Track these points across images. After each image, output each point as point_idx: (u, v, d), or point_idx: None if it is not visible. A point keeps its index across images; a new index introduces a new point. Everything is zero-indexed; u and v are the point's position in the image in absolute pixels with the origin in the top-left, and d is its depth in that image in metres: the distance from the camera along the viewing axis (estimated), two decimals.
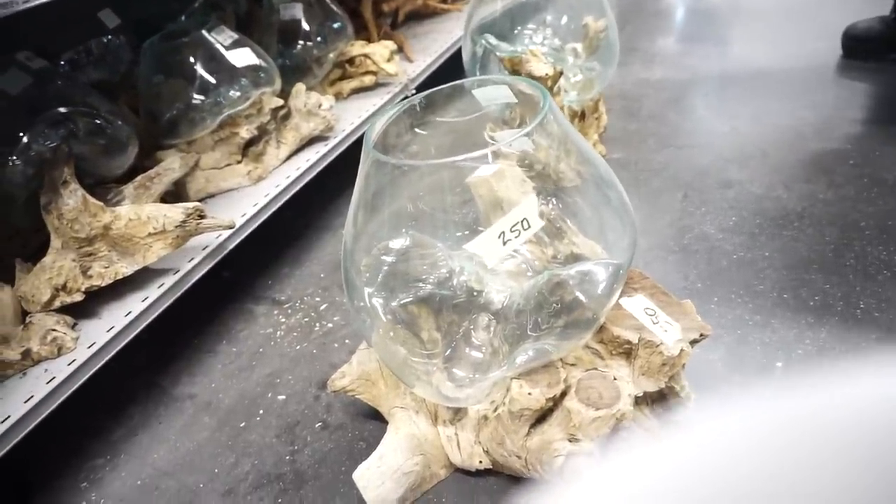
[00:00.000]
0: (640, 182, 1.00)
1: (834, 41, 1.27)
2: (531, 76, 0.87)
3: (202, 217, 0.71)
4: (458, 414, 0.58)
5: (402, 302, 0.58)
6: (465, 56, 1.05)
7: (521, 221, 0.45)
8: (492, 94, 0.58)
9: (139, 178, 0.77)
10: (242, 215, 0.84)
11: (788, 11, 1.56)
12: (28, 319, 0.68)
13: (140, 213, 0.68)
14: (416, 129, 0.68)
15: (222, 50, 0.87)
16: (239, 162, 0.92)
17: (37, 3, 0.60)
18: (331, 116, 0.98)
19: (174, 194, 0.90)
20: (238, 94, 0.88)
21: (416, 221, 0.63)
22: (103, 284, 0.68)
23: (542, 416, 0.51)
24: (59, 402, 0.63)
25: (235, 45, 0.89)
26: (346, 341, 0.81)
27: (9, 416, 0.60)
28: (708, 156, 1.03)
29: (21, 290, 0.69)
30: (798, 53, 1.31)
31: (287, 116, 0.97)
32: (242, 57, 0.88)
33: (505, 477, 0.59)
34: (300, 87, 0.96)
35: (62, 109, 0.70)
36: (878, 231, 0.79)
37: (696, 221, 0.88)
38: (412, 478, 0.57)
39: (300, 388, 0.76)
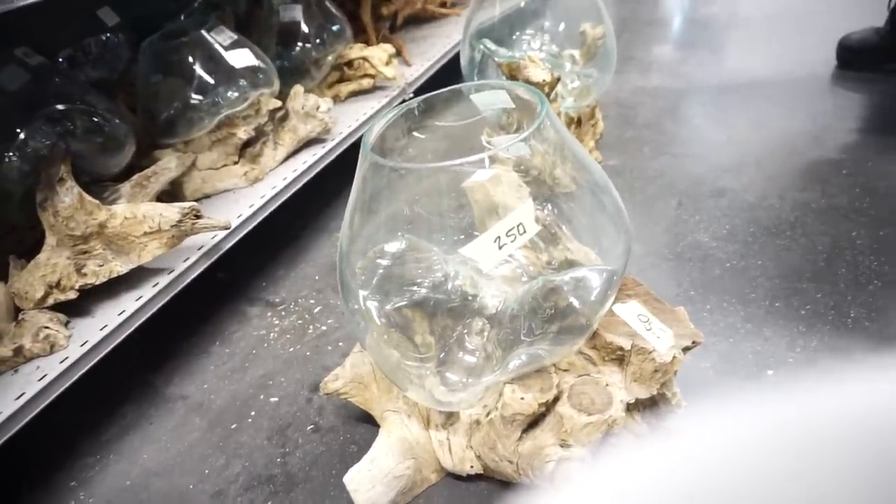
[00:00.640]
0: (636, 189, 1.00)
1: (829, 51, 1.28)
2: (529, 82, 0.87)
3: (198, 217, 0.71)
4: (450, 418, 0.58)
5: (396, 305, 0.58)
6: (464, 61, 1.05)
7: (518, 226, 0.45)
8: (490, 99, 0.58)
9: (136, 176, 0.77)
10: (238, 216, 0.84)
11: (784, 21, 1.57)
12: (21, 316, 0.68)
13: (136, 211, 0.68)
14: (414, 133, 0.68)
15: (221, 50, 0.87)
16: (236, 163, 0.92)
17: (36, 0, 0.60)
18: (328, 119, 0.98)
19: (170, 194, 0.90)
20: (236, 94, 0.88)
21: (411, 225, 0.63)
22: (97, 283, 0.68)
23: (534, 422, 0.52)
24: (51, 399, 0.63)
25: (234, 45, 0.89)
26: (340, 344, 0.81)
27: (0, 413, 0.59)
28: (703, 164, 1.04)
29: (14, 287, 0.69)
30: (794, 63, 1.32)
31: (285, 118, 0.97)
32: (241, 58, 0.88)
33: (496, 482, 0.59)
34: (298, 88, 0.96)
35: (60, 107, 0.70)
36: (870, 241, 0.79)
37: (690, 229, 0.88)
38: (403, 482, 0.57)
39: (292, 390, 0.76)
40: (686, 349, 0.55)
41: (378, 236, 0.59)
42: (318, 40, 1.11)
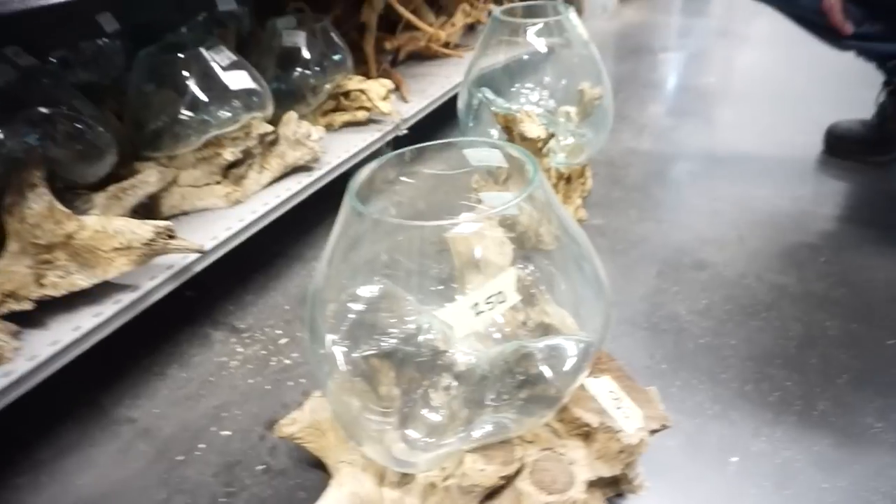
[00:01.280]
0: (617, 252, 1.00)
1: (817, 136, 1.31)
2: (523, 136, 0.87)
3: (171, 237, 0.69)
4: (405, 478, 0.56)
5: (364, 353, 0.56)
6: (461, 104, 1.06)
7: (497, 294, 0.44)
8: (483, 155, 0.58)
9: (112, 187, 0.75)
10: (213, 238, 0.82)
11: (777, 101, 1.61)
12: None
13: (107, 225, 0.66)
14: (403, 178, 0.67)
15: (218, 70, 0.86)
16: (218, 182, 0.90)
17: (36, 4, 0.59)
18: (318, 148, 0.97)
19: (146, 207, 0.88)
20: (228, 115, 0.87)
21: (389, 270, 0.62)
22: (57, 295, 0.65)
23: (492, 493, 0.50)
24: None
25: (233, 66, 0.88)
26: (302, 380, 0.79)
27: None
28: (686, 234, 1.04)
29: None
30: (783, 143, 1.35)
31: (274, 142, 0.96)
32: (238, 80, 0.87)
33: None
34: (292, 115, 0.95)
35: (43, 110, 0.68)
36: (842, 333, 0.79)
37: (668, 300, 0.88)
38: None
39: (247, 425, 0.73)
40: (654, 431, 0.54)
41: (353, 280, 0.57)
42: (317, 67, 1.10)
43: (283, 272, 1.02)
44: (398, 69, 1.46)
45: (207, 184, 0.89)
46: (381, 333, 0.58)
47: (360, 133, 1.14)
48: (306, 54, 1.09)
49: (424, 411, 0.56)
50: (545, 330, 0.61)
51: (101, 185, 0.77)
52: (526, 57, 1.07)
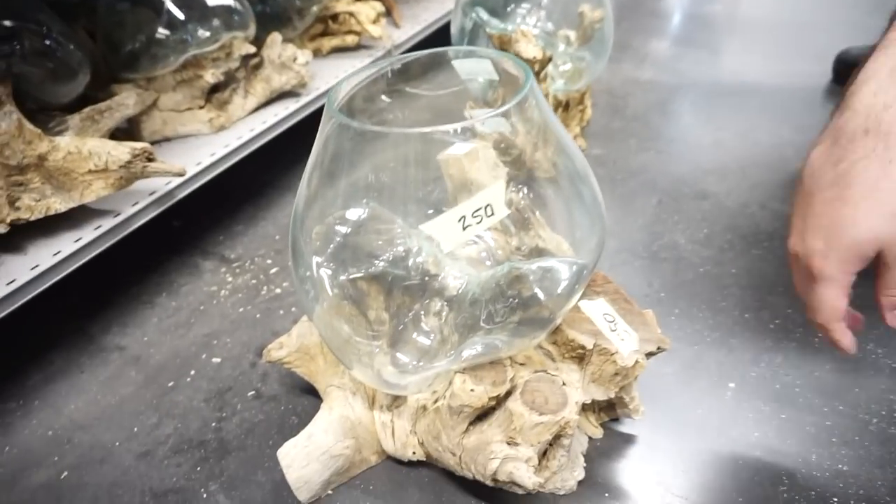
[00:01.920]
0: (617, 182, 0.97)
1: (826, 64, 1.26)
2: (518, 57, 0.83)
3: (150, 160, 0.66)
4: (396, 401, 0.55)
5: (351, 276, 0.54)
6: (454, 28, 1.01)
7: (485, 207, 0.41)
8: (473, 67, 0.54)
9: (87, 109, 0.71)
10: (197, 164, 0.79)
11: (785, 29, 1.55)
12: None
13: (81, 146, 0.63)
14: (388, 98, 0.64)
15: None
16: (201, 107, 0.86)
17: None
18: (305, 72, 0.92)
19: (127, 132, 0.84)
20: (207, 34, 0.82)
21: (377, 194, 0.59)
22: (32, 218, 0.62)
23: (482, 415, 0.49)
24: None
25: None
26: (293, 309, 0.77)
27: None
28: (687, 164, 1.01)
29: None
30: (789, 72, 1.30)
31: (258, 66, 0.91)
32: None
33: (438, 470, 0.56)
34: (276, 36, 0.90)
35: (7, 23, 0.63)
36: None
37: (668, 229, 0.86)
38: (340, 461, 0.54)
39: (237, 352, 0.72)
40: (650, 354, 0.53)
41: (338, 202, 0.55)
42: None
43: (274, 202, 0.99)
44: None
45: (189, 108, 0.85)
46: (370, 256, 0.56)
47: (349, 59, 1.09)
48: None
49: (415, 335, 0.54)
50: (539, 254, 0.59)
51: (76, 108, 0.73)
52: None
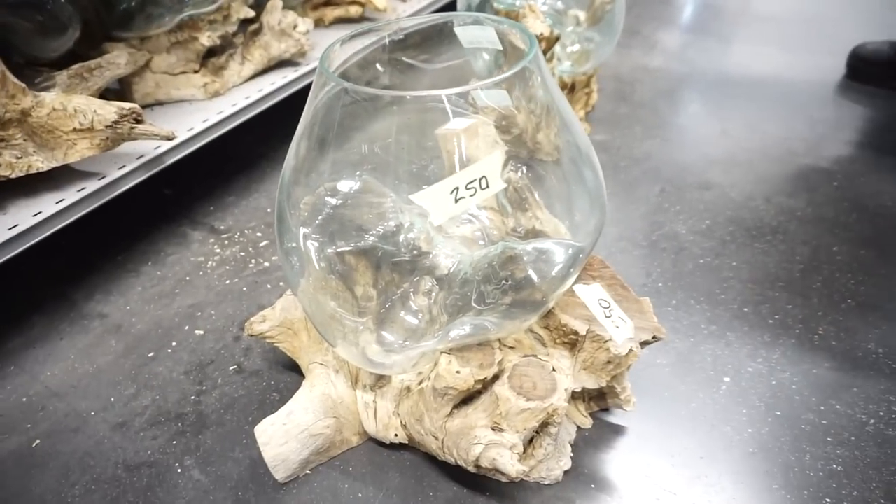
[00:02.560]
0: (620, 168, 0.95)
1: (840, 58, 1.23)
2: None
3: (138, 121, 0.63)
4: (379, 381, 0.53)
5: (339, 250, 0.52)
6: (461, 2, 0.98)
7: (480, 179, 0.39)
8: (476, 35, 0.52)
9: (77, 66, 0.68)
10: (189, 129, 0.77)
11: (799, 20, 1.51)
12: None
13: (66, 103, 0.60)
14: (384, 68, 0.61)
15: None
16: (196, 72, 0.84)
17: None
18: (305, 41, 0.90)
19: (118, 94, 0.82)
20: None
21: (370, 167, 0.57)
22: (13, 176, 0.60)
23: (468, 398, 0.47)
24: None
25: None
26: (281, 284, 0.75)
27: None
28: (693, 154, 0.99)
29: None
30: (801, 66, 1.27)
31: (257, 32, 0.88)
32: None
33: (421, 454, 0.54)
34: (276, 2, 0.87)
35: None
36: (850, 258, 0.76)
37: (669, 219, 0.84)
38: (320, 441, 0.52)
39: (221, 325, 0.70)
40: (645, 343, 0.51)
41: (329, 170, 0.53)
42: None
43: (267, 174, 0.97)
44: None
45: (184, 72, 0.83)
46: (359, 229, 0.54)
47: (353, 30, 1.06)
48: None
49: (402, 314, 0.52)
50: (536, 237, 0.57)
51: (65, 65, 0.70)
52: None
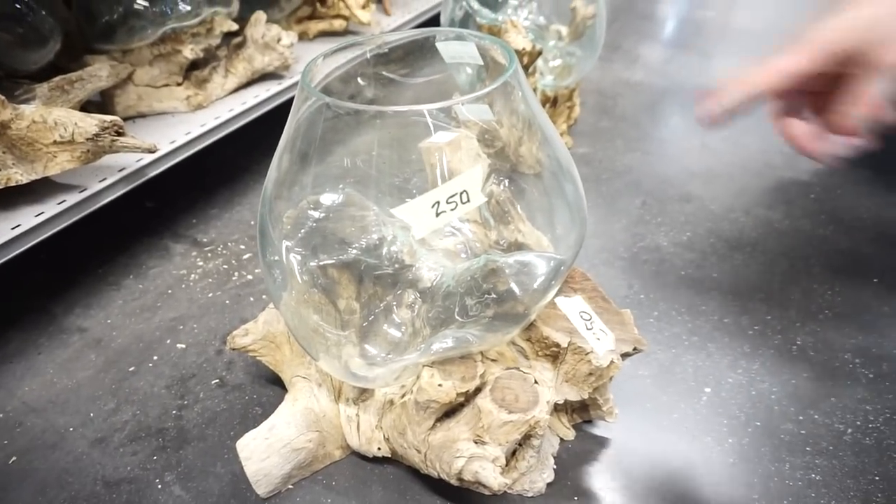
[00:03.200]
0: (602, 181, 0.96)
1: None
2: None
3: (120, 134, 0.63)
4: (362, 394, 0.53)
5: (322, 263, 0.52)
6: (444, 18, 0.99)
7: (461, 193, 0.39)
8: (457, 50, 0.52)
9: (57, 78, 0.68)
10: (171, 142, 0.76)
11: (777, 37, 1.54)
12: None
13: (47, 115, 0.60)
14: (367, 82, 0.62)
15: None
16: (179, 84, 0.84)
17: None
18: (289, 54, 0.90)
19: (100, 106, 0.81)
20: (188, 8, 0.79)
21: (353, 180, 0.57)
22: None
23: (451, 411, 0.47)
24: None
25: None
26: (263, 297, 0.75)
27: None
28: (674, 167, 1.00)
29: None
30: None
31: (241, 45, 0.88)
32: None
33: (404, 468, 0.54)
34: (260, 15, 0.87)
35: None
36: (827, 270, 0.77)
37: (651, 231, 0.85)
38: (302, 455, 0.52)
39: (203, 338, 0.70)
40: (626, 355, 0.51)
41: (312, 183, 0.53)
42: None
43: (251, 187, 0.97)
44: None
45: (167, 85, 0.82)
46: (342, 243, 0.54)
47: (335, 44, 1.06)
48: None
49: (385, 327, 0.52)
50: (519, 249, 0.57)
51: (46, 77, 0.70)
52: None
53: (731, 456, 0.55)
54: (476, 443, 0.44)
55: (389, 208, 0.55)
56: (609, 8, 1.70)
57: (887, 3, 0.48)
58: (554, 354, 0.49)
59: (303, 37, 1.07)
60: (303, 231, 0.53)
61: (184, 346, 0.69)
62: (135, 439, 0.59)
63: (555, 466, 0.53)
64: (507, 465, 0.48)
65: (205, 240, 0.86)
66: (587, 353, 0.48)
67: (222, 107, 0.86)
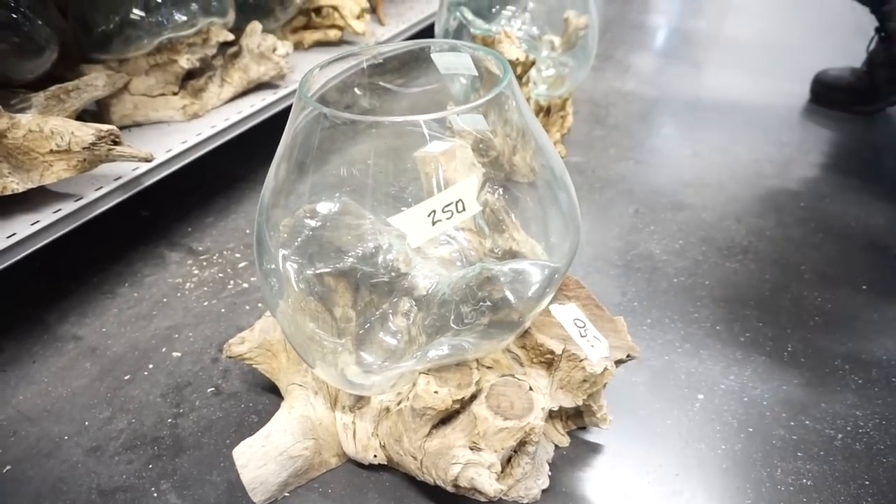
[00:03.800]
0: (595, 190, 0.97)
1: (805, 85, 1.28)
2: None
3: (116, 143, 0.63)
4: (359, 402, 0.53)
5: (318, 271, 0.53)
6: (438, 28, 1.00)
7: (456, 203, 0.40)
8: (452, 61, 0.53)
9: (54, 87, 0.68)
10: (167, 151, 0.77)
11: (767, 47, 1.57)
12: None
13: (43, 125, 0.60)
14: (364, 92, 0.63)
15: None
16: (175, 94, 0.84)
17: None
18: (284, 63, 0.90)
19: (96, 115, 0.82)
20: (184, 18, 0.80)
21: (350, 189, 0.58)
22: None
23: (446, 418, 0.47)
24: None
25: None
26: (259, 305, 0.75)
27: None
28: (666, 175, 1.01)
29: None
30: (769, 90, 1.31)
31: (237, 55, 0.89)
32: None
33: (400, 475, 0.55)
34: (255, 25, 0.88)
35: None
36: (817, 276, 0.78)
37: (644, 239, 0.86)
38: (299, 462, 0.52)
39: (199, 347, 0.70)
40: (619, 362, 0.52)
41: (308, 194, 0.53)
42: None
43: (246, 196, 0.97)
44: None
45: (163, 94, 0.83)
46: (338, 251, 0.54)
47: (331, 53, 1.07)
48: None
49: (381, 335, 0.53)
50: (513, 257, 0.58)
51: (42, 86, 0.70)
52: None
53: (724, 462, 0.55)
54: (472, 449, 0.44)
55: (385, 217, 0.56)
56: (601, 19, 1.73)
57: None
58: (549, 361, 0.50)
59: (298, 46, 1.07)
60: (299, 239, 0.53)
61: (179, 354, 0.69)
62: (130, 448, 0.59)
63: (550, 473, 0.53)
64: (502, 472, 0.48)
65: (200, 248, 0.86)
66: (581, 360, 0.49)
67: (218, 116, 0.86)
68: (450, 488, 0.46)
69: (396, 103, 0.65)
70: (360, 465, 0.55)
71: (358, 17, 1.05)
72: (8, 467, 0.57)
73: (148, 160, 0.66)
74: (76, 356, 0.69)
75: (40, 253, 0.65)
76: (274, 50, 0.88)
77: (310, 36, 1.08)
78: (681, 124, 1.19)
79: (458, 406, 0.45)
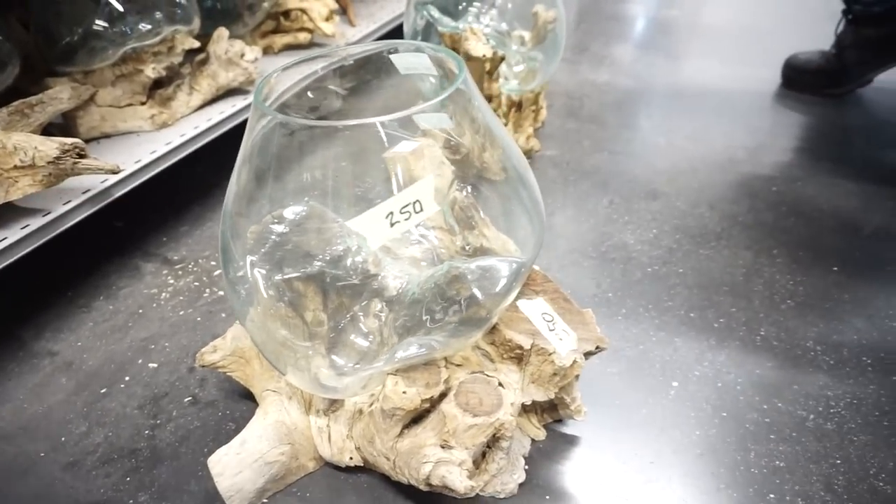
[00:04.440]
0: (569, 182, 0.97)
1: (775, 69, 1.29)
2: (468, 56, 0.82)
3: (81, 156, 0.63)
4: (333, 405, 0.53)
5: (287, 276, 0.53)
6: (407, 27, 1.00)
7: (413, 203, 0.40)
8: (411, 62, 0.53)
9: (17, 102, 0.68)
10: (137, 161, 0.76)
11: (740, 34, 1.58)
12: None
13: (6, 141, 0.60)
14: (335, 91, 0.63)
15: None
16: (143, 103, 0.84)
17: None
18: (253, 69, 0.90)
19: (63, 128, 0.81)
20: (148, 27, 0.79)
21: (316, 193, 0.57)
22: None
23: (417, 417, 0.48)
24: None
25: None
26: None
27: None
28: (640, 165, 1.02)
29: None
30: (742, 77, 1.32)
31: (204, 62, 0.89)
32: None
33: (377, 476, 0.55)
34: (222, 32, 0.88)
35: None
36: (790, 260, 0.79)
37: (618, 229, 0.86)
38: (275, 468, 0.52)
39: (175, 357, 0.70)
40: (589, 354, 0.52)
41: (271, 201, 0.53)
42: None
43: (220, 203, 0.95)
44: None
45: (130, 104, 0.82)
46: (307, 255, 0.54)
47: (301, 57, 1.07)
48: None
49: (353, 337, 0.53)
50: (483, 254, 0.58)
51: (5, 102, 0.70)
52: None
53: (699, 447, 0.56)
54: (443, 447, 0.45)
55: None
56: (576, 10, 1.74)
57: None
58: (518, 357, 0.50)
59: (268, 51, 1.07)
60: (266, 246, 0.53)
61: (156, 365, 0.69)
62: (107, 461, 0.59)
63: (526, 467, 0.53)
64: (477, 468, 0.48)
65: (175, 257, 0.85)
66: (550, 354, 0.49)
67: (188, 124, 0.86)
68: (423, 487, 0.46)
69: (371, 102, 0.64)
70: (337, 467, 0.55)
71: (327, 20, 1.05)
72: None
73: (115, 172, 0.65)
74: (52, 372, 0.69)
75: (12, 268, 0.65)
76: (242, 55, 0.88)
77: (279, 40, 1.07)
78: (655, 114, 1.20)
79: (427, 405, 0.46)
